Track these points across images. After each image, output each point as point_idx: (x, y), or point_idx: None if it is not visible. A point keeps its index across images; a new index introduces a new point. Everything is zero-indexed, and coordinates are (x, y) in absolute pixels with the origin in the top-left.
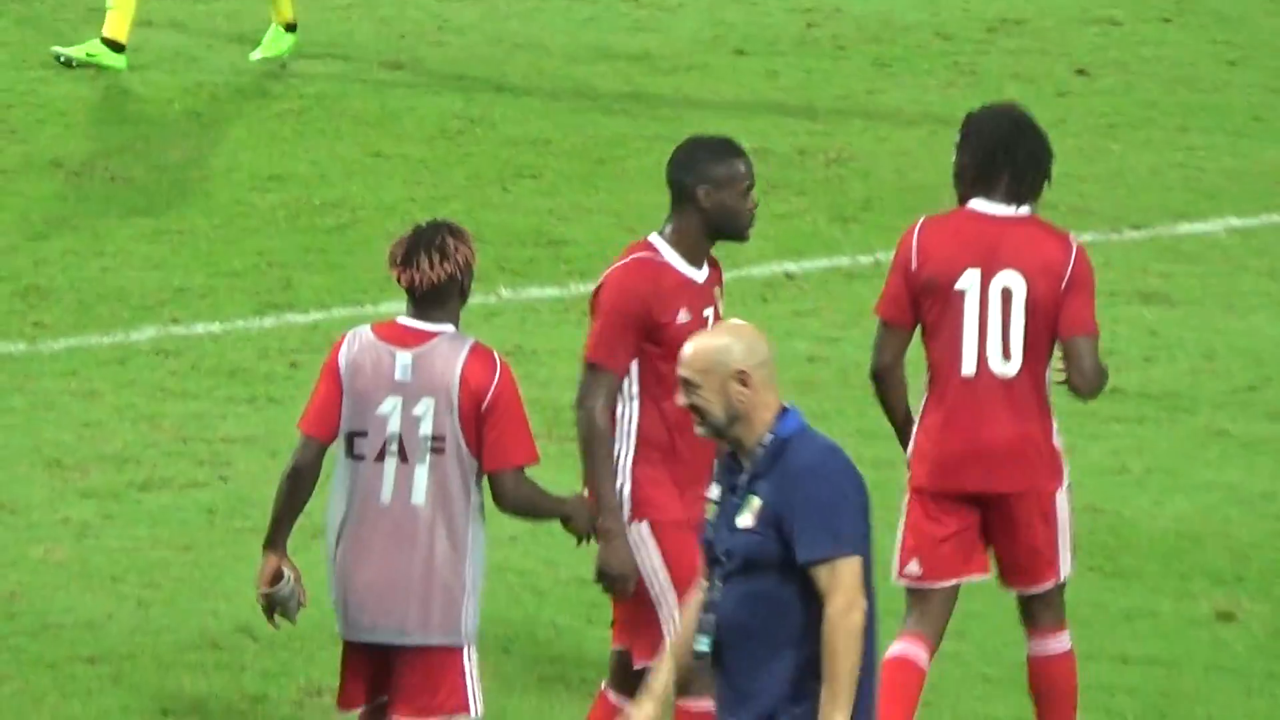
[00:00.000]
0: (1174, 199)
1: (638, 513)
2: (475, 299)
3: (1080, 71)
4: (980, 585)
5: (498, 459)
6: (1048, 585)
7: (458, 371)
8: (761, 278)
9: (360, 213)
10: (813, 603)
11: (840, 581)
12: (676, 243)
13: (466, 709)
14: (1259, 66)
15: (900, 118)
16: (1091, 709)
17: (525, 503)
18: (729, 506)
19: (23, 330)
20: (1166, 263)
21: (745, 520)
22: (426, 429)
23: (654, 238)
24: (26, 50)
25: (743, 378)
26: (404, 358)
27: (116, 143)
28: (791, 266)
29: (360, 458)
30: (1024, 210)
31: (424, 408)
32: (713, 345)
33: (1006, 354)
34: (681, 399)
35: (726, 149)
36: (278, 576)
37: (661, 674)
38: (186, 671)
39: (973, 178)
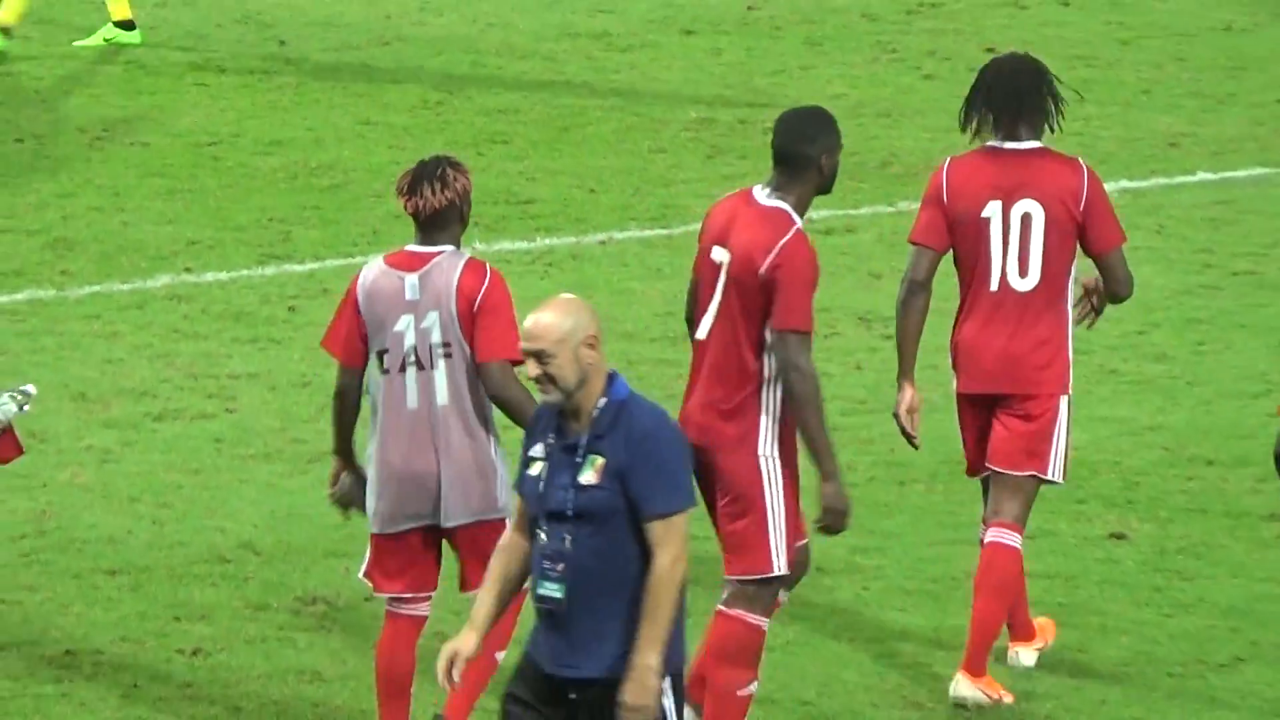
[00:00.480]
0: None
1: (787, 467)
2: None
3: (989, 50)
4: (899, 503)
5: (485, 352)
6: (1024, 473)
7: (454, 282)
8: None
9: (351, 174)
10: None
11: (673, 536)
12: (799, 209)
13: None
14: (1148, 45)
15: (829, 90)
16: None
17: (511, 396)
18: (565, 464)
19: (52, 278)
20: None
21: (589, 477)
22: (436, 337)
23: (784, 205)
24: (56, 28)
25: (592, 341)
26: (411, 279)
27: (136, 111)
28: None
29: (387, 371)
30: (1035, 143)
31: (431, 320)
32: (562, 316)
33: (1024, 272)
34: (533, 370)
35: (831, 118)
36: (338, 479)
37: (484, 608)
38: (196, 582)
39: (994, 120)
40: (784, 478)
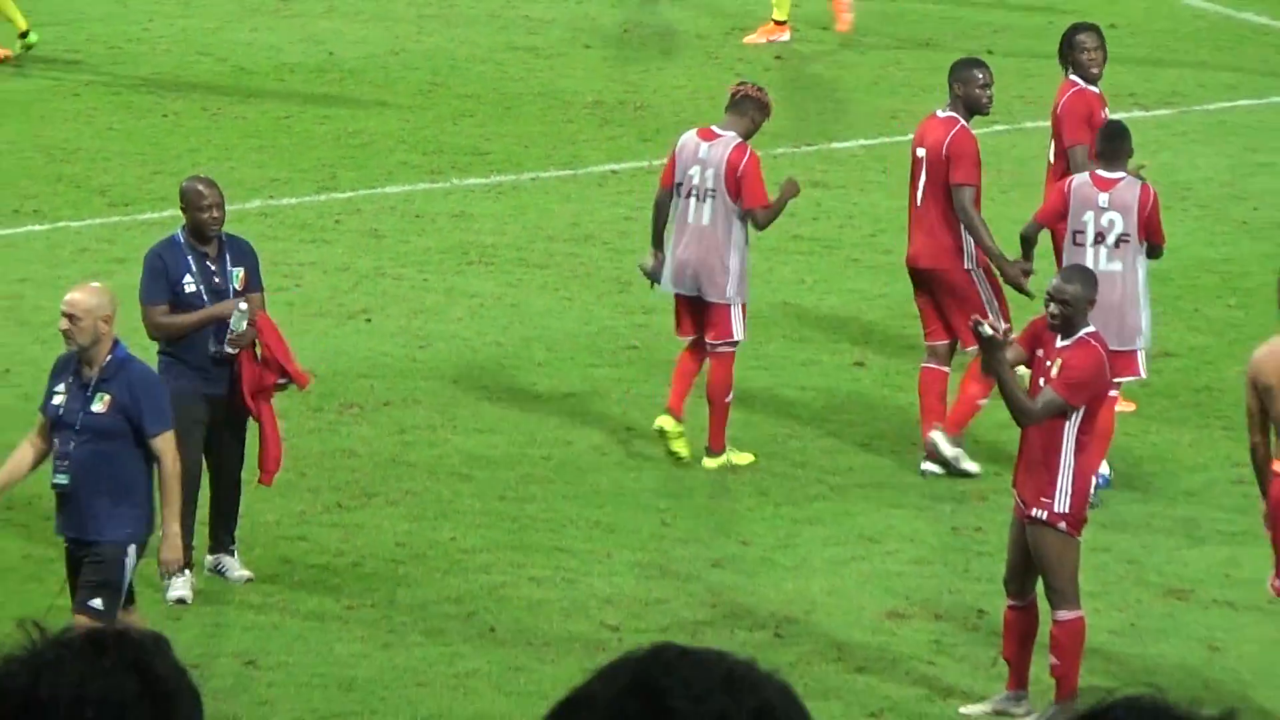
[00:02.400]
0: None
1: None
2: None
3: (777, 57)
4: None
5: (747, 202)
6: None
7: (726, 155)
8: (597, 174)
9: (371, 134)
10: (147, 460)
11: (169, 446)
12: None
13: (732, 336)
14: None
15: (674, 84)
16: (774, 411)
17: (765, 220)
18: (81, 396)
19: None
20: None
21: (99, 407)
22: (713, 184)
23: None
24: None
25: (108, 320)
26: (704, 147)
27: (240, 94)
28: (615, 166)
29: (686, 197)
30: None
31: (711, 178)
32: (93, 297)
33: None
34: (63, 324)
35: (964, 62)
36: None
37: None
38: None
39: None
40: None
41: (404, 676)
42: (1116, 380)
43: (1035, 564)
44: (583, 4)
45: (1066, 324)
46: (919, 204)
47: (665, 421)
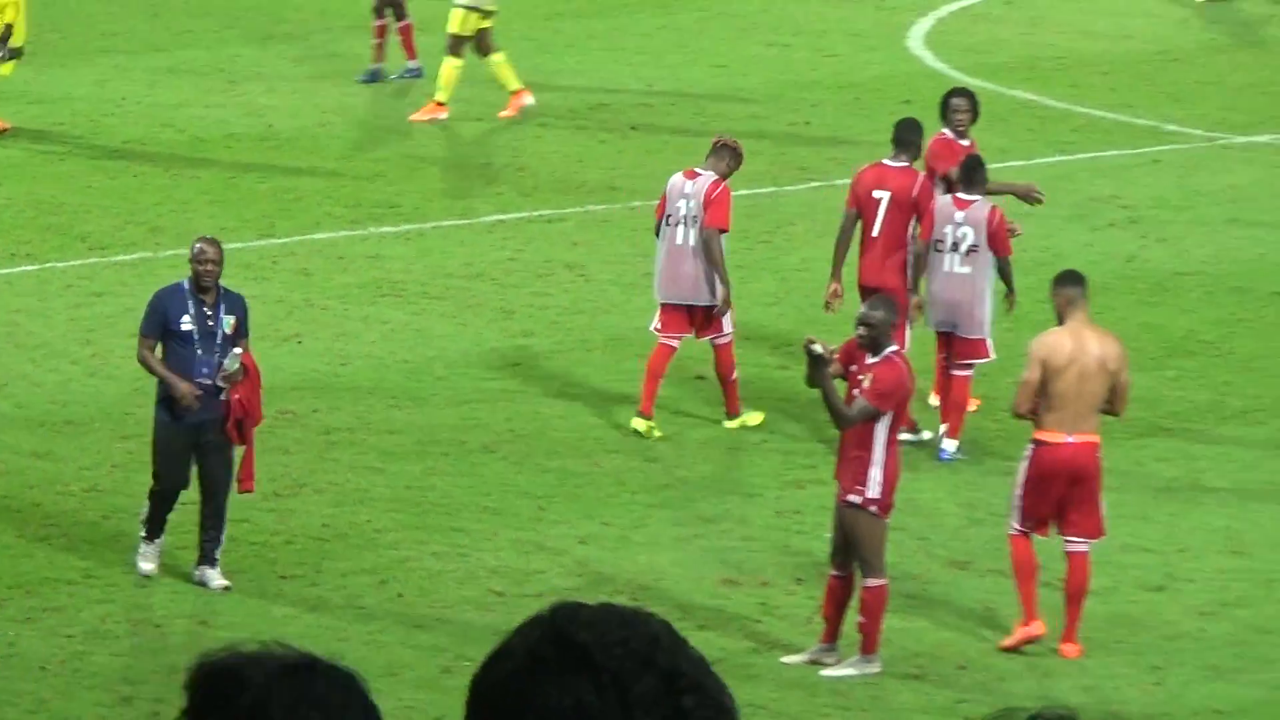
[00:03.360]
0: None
1: None
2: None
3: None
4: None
5: (709, 221)
6: None
7: (705, 188)
8: (487, 223)
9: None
10: None
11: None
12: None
13: (724, 330)
14: None
15: (550, 149)
16: (630, 415)
17: (715, 246)
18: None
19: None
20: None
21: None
22: (696, 213)
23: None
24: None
25: None
26: (688, 184)
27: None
28: (502, 217)
29: (674, 225)
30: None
31: (694, 205)
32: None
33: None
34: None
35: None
36: None
37: None
38: None
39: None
40: None
41: (327, 633)
42: (969, 362)
43: (850, 540)
44: (475, 86)
45: (874, 344)
46: (875, 235)
47: (639, 424)
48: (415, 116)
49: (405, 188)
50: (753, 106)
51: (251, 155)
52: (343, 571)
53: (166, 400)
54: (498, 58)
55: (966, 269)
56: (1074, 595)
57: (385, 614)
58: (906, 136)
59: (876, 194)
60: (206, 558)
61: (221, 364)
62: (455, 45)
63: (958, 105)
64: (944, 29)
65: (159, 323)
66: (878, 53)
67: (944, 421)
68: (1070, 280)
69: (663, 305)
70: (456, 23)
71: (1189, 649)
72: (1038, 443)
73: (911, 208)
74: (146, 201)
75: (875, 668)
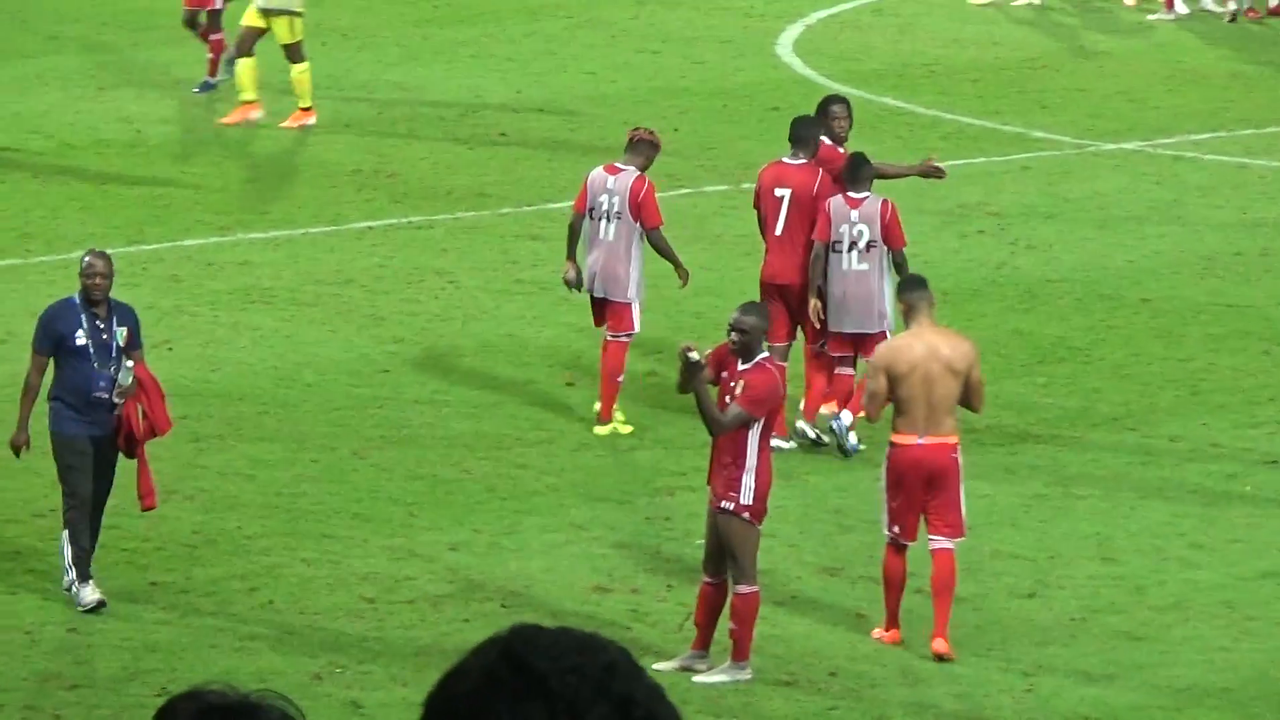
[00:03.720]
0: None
1: None
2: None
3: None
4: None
5: (647, 223)
6: None
7: (629, 185)
8: (357, 230)
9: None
10: None
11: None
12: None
13: (629, 328)
14: None
15: (419, 155)
16: (500, 422)
17: (657, 241)
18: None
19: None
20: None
21: None
22: (619, 208)
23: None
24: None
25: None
26: (610, 179)
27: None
28: (371, 224)
29: (596, 220)
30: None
31: (617, 203)
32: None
33: None
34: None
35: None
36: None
37: None
38: None
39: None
40: None
41: (199, 639)
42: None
43: (723, 547)
44: (344, 91)
45: (745, 350)
46: (779, 233)
47: (602, 430)
48: (285, 124)
49: (275, 194)
50: (622, 113)
51: (121, 162)
52: (213, 578)
53: (62, 413)
54: (250, 62)
55: (864, 265)
56: (940, 590)
57: (256, 620)
58: (803, 134)
59: (778, 192)
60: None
61: (115, 378)
62: (294, 52)
63: (837, 113)
64: (813, 36)
65: (52, 340)
66: (747, 60)
67: (842, 407)
68: (914, 285)
69: (591, 298)
70: (285, 31)
71: (1060, 655)
72: (892, 445)
73: (812, 204)
74: (15, 208)
75: (746, 674)
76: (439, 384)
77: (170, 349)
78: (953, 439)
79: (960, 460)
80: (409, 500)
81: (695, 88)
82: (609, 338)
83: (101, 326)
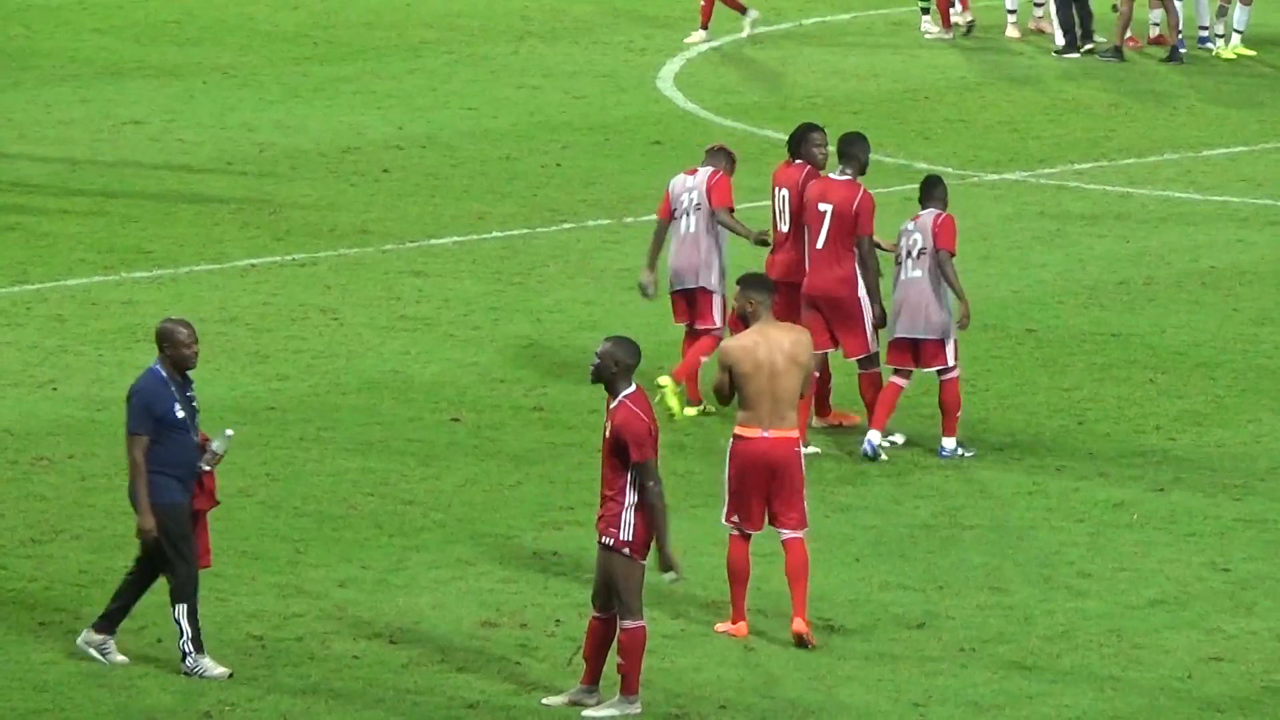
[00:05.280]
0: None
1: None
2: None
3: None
4: None
5: (715, 202)
6: None
7: (706, 177)
8: (240, 268)
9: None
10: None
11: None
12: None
13: (713, 323)
14: None
15: (303, 192)
16: (386, 458)
17: (726, 219)
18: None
19: None
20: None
21: None
22: (698, 200)
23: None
24: None
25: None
26: (689, 178)
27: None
28: (255, 261)
29: (679, 217)
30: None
31: (696, 194)
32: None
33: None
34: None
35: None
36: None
37: None
38: None
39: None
40: None
41: (87, 679)
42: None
43: (607, 582)
44: (226, 129)
45: (608, 384)
46: (820, 246)
47: (666, 380)
48: None
49: (157, 232)
50: (504, 148)
51: (3, 201)
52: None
53: (167, 484)
54: None
55: (918, 272)
56: (795, 575)
57: (144, 659)
58: (850, 151)
59: (821, 206)
60: (115, 626)
61: (210, 447)
62: None
63: (817, 140)
64: (694, 70)
65: (154, 419)
66: (628, 94)
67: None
68: (756, 284)
69: (671, 294)
70: None
71: (950, 686)
72: (736, 438)
73: (854, 219)
74: None
75: (636, 709)
76: (324, 421)
77: (55, 389)
78: (795, 433)
79: (802, 453)
80: (296, 537)
81: (577, 122)
82: (698, 330)
83: (191, 395)
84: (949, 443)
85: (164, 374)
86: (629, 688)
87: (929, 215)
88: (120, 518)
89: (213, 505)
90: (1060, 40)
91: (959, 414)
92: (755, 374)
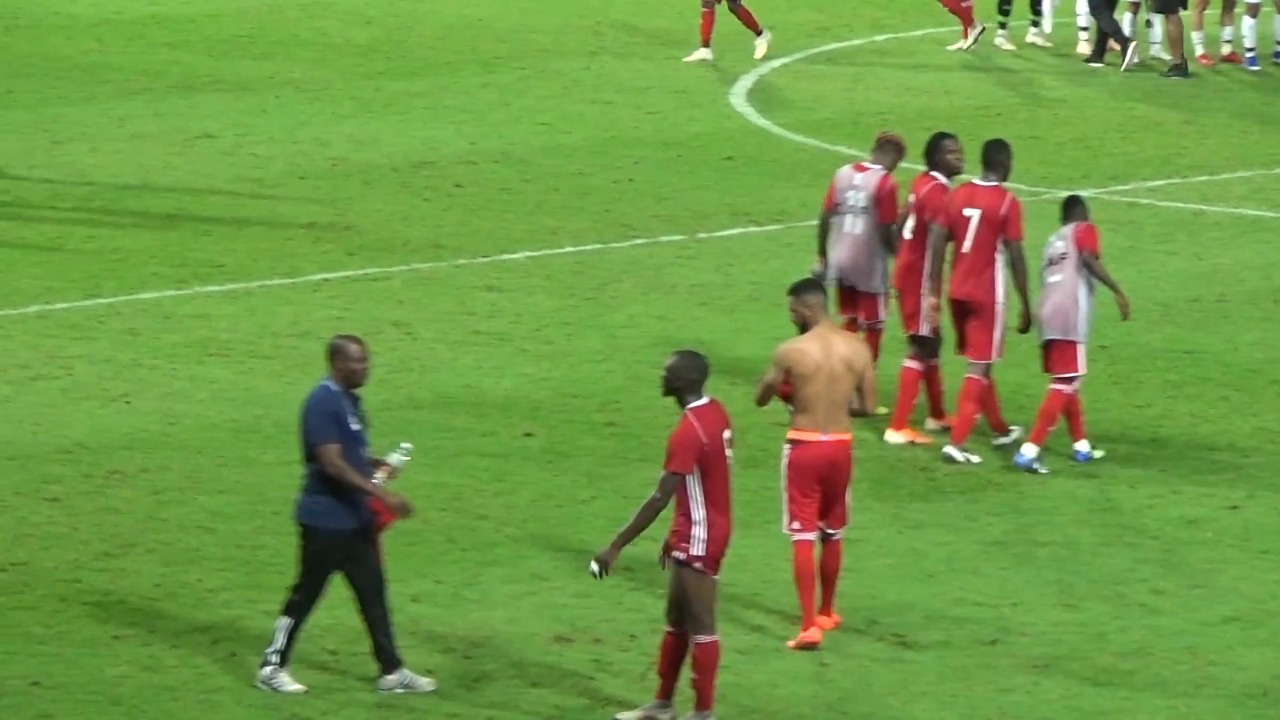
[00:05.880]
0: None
1: None
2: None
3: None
4: None
5: (882, 217)
6: None
7: (875, 181)
8: (313, 282)
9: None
10: None
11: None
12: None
13: (879, 318)
14: None
15: (375, 207)
16: (459, 473)
17: (886, 236)
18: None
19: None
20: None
21: None
22: (865, 203)
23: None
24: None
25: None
26: (857, 176)
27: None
28: (328, 276)
29: (843, 214)
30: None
31: (864, 197)
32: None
33: None
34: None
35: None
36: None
37: None
38: None
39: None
40: None
41: (162, 694)
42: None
43: (679, 597)
44: (298, 144)
45: (668, 391)
46: (966, 250)
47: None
48: None
49: (230, 246)
50: (576, 163)
51: (76, 215)
52: (176, 631)
53: (334, 508)
54: None
55: (1058, 276)
56: (829, 576)
57: (220, 673)
58: (995, 157)
59: (967, 212)
60: (391, 661)
61: (386, 462)
62: None
63: (949, 146)
64: (766, 86)
65: (339, 428)
66: (700, 109)
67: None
68: (809, 289)
69: (839, 289)
70: None
71: (1024, 703)
72: (793, 442)
73: (1000, 224)
74: None
75: None
76: (397, 436)
77: (129, 402)
78: (849, 436)
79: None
80: None
81: (649, 138)
82: (864, 326)
83: (362, 411)
84: (1030, 450)
85: (335, 389)
86: (703, 703)
87: (1071, 226)
88: (194, 531)
89: (390, 519)
90: (1126, 56)
91: (1053, 427)
92: (815, 376)
